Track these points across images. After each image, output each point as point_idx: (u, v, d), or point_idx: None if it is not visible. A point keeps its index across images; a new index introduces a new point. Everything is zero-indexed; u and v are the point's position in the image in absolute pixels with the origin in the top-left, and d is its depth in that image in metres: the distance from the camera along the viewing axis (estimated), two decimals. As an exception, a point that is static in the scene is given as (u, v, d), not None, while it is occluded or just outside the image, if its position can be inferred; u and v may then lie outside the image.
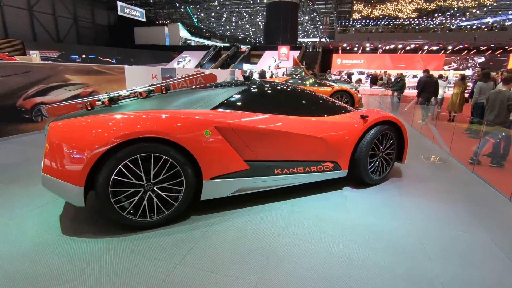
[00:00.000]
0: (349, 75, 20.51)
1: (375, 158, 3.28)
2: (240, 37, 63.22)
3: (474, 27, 45.94)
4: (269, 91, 3.08)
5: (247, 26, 55.56)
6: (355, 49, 33.57)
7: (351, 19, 45.94)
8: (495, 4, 38.30)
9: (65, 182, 2.09)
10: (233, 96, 2.82)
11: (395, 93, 9.50)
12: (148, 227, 2.36)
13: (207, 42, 53.91)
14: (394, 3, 39.31)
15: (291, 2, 36.09)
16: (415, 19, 45.62)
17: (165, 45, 41.92)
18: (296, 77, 9.36)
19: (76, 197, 2.13)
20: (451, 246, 2.27)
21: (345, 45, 32.46)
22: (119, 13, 36.31)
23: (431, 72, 8.42)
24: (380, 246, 2.21)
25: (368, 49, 33.11)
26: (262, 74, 17.99)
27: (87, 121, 2.25)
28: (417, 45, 30.53)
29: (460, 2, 38.44)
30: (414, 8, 40.99)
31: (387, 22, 47.30)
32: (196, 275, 1.85)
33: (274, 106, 2.96)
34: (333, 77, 15.05)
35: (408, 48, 31.23)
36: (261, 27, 53.42)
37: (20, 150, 4.54)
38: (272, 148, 2.77)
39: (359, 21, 48.38)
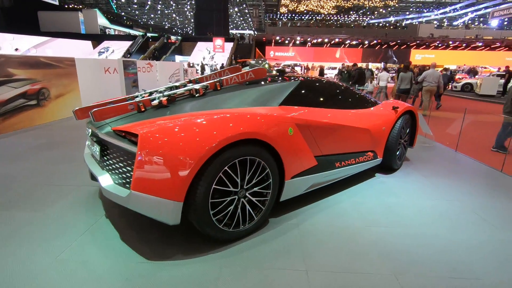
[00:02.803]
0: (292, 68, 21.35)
1: (399, 145, 3.58)
2: (166, 27, 59.73)
3: (380, 25, 52.50)
4: (319, 86, 3.07)
5: (174, 15, 52.77)
6: (286, 42, 35.05)
7: (278, 12, 47.68)
8: (396, 5, 44.31)
9: (162, 199, 1.76)
10: (293, 91, 2.73)
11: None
12: (239, 238, 2.16)
13: (129, 31, 49.47)
14: (317, -1, 42.20)
15: (221, -8, 35.48)
16: (334, 16, 49.82)
17: (80, 33, 36.94)
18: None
19: (173, 215, 1.82)
20: (504, 212, 2.66)
21: (277, 38, 33.59)
22: (17, -7, 30.51)
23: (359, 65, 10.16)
24: (455, 224, 2.47)
25: (298, 42, 34.91)
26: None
27: (180, 125, 1.91)
28: (340, 40, 33.48)
29: (371, 2, 43.37)
30: (334, 5, 44.63)
31: (310, 17, 50.53)
32: (333, 277, 1.80)
33: (326, 100, 2.97)
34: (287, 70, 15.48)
35: (332, 42, 33.99)
36: (189, 17, 51.39)
37: (-21, 165, 3.57)
38: (333, 141, 2.80)
39: (285, 15, 50.52)
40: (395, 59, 33.00)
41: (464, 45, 33.37)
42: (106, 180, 2.01)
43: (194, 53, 34.30)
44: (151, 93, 2.58)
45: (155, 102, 2.27)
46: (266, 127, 2.10)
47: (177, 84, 2.74)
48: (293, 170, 2.37)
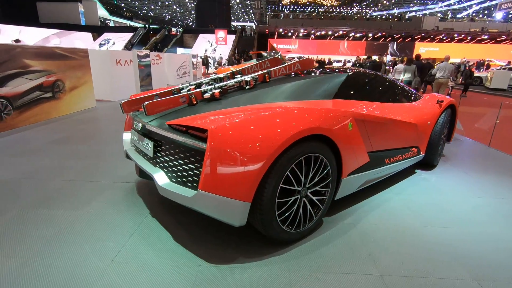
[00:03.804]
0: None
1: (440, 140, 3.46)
2: (167, 19, 58.96)
3: (384, 17, 51.93)
4: (366, 78, 2.92)
5: (174, 6, 52.02)
6: (289, 34, 34.65)
7: (281, 4, 47.04)
8: (400, -3, 43.70)
9: (231, 199, 1.64)
10: (344, 84, 2.59)
11: None
12: (300, 238, 2.05)
13: (129, 23, 48.77)
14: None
15: (223, -17, 34.91)
16: (337, 7, 49.20)
17: (80, 25, 36.36)
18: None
19: (241, 216, 1.70)
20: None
21: (280, 30, 33.18)
22: (15, -16, 29.93)
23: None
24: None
25: (301, 34, 34.52)
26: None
27: (248, 120, 1.78)
28: (344, 32, 33.09)
29: (374, -7, 42.80)
30: (337, -3, 44.07)
31: (313, 9, 49.90)
32: (412, 283, 1.69)
33: (375, 94, 2.84)
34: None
35: (336, 34, 33.61)
36: (190, 8, 50.72)
37: None
38: (384, 137, 2.68)
39: (288, 6, 49.84)
40: (391, 50, 32.66)
41: (469, 38, 33.05)
42: (162, 178, 1.88)
43: (196, 45, 33.87)
44: (197, 85, 2.44)
45: (207, 95, 2.13)
46: (331, 122, 1.97)
47: (221, 75, 2.59)
48: (350, 167, 2.25)
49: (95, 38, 33.86)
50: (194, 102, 2.10)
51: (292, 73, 2.64)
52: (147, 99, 2.23)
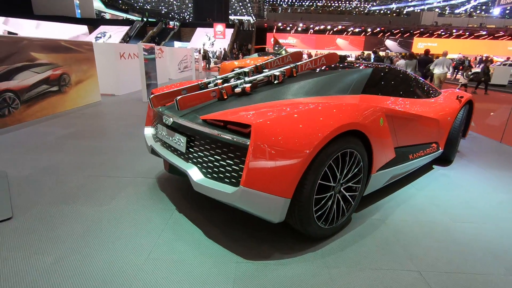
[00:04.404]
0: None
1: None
2: (163, 12, 58.22)
3: (382, 12, 51.77)
4: (391, 74, 2.89)
5: (171, 0, 51.34)
6: (288, 28, 34.43)
7: (279, -2, 46.63)
8: (399, -9, 43.54)
9: (272, 195, 1.62)
10: (370, 79, 2.57)
11: None
12: (333, 234, 2.05)
13: (125, 16, 48.09)
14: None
15: (222, -24, 34.46)
16: (336, 2, 48.92)
17: (76, 17, 35.78)
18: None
19: (281, 212, 1.68)
20: None
21: (279, 24, 32.94)
22: (9, -26, 29.28)
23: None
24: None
25: (300, 29, 34.32)
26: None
27: (289, 115, 1.74)
28: (343, 27, 32.96)
29: (373, -12, 42.60)
30: (336, -9, 43.79)
31: (311, 3, 49.54)
32: (451, 279, 1.69)
33: (400, 89, 2.82)
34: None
35: (335, 29, 33.47)
36: (187, 1, 50.14)
37: None
38: (409, 132, 2.67)
39: (286, 0, 49.42)
40: (385, 45, 32.67)
41: (467, 33, 33.12)
42: (196, 174, 1.85)
43: (194, 39, 33.52)
44: (224, 80, 2.39)
45: (238, 89, 2.09)
46: (366, 118, 1.95)
47: (246, 70, 2.55)
48: (379, 163, 2.24)
49: (91, 31, 33.36)
50: (225, 97, 2.06)
51: (316, 68, 2.61)
52: (175, 94, 2.19)
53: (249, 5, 53.16)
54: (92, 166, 3.09)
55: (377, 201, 2.56)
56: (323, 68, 2.66)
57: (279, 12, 39.88)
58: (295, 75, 2.42)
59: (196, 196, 2.51)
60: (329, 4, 48.24)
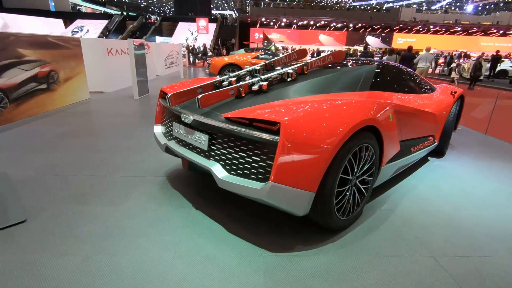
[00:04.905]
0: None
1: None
2: (142, 5, 56.62)
3: (362, 7, 52.62)
4: (393, 70, 3.01)
5: (151, -7, 49.96)
6: (271, 23, 34.41)
7: (261, -8, 46.28)
8: (379, -12, 44.38)
9: (299, 189, 1.69)
10: (376, 76, 2.67)
11: None
12: (348, 225, 2.15)
13: (102, 9, 46.41)
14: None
15: (203, -31, 33.82)
16: (317, -3, 49.19)
17: (49, 11, 34.20)
18: (269, 53, 9.15)
19: (306, 205, 1.76)
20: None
21: (263, 19, 32.85)
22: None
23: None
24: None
25: (283, 24, 34.40)
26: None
27: (313, 111, 1.81)
28: (326, 22, 33.31)
29: (354, -16, 43.18)
30: (317, -13, 44.06)
31: (293, -2, 49.58)
32: (464, 262, 1.83)
33: (402, 85, 2.94)
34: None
35: (318, 24, 33.78)
36: (167, -5, 48.97)
37: None
38: (411, 126, 2.80)
39: (268, -5, 49.13)
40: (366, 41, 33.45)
41: (443, 29, 34.33)
42: (220, 171, 1.89)
43: (176, 34, 32.90)
44: (239, 77, 2.42)
45: (256, 87, 2.14)
46: (380, 113, 2.05)
47: (256, 67, 2.59)
48: (388, 156, 2.36)
49: (66, 25, 32.03)
50: (243, 95, 2.09)
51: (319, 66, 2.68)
52: (191, 92, 2.20)
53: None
54: (95, 165, 3.04)
55: (384, 193, 2.68)
56: (330, 65, 2.74)
57: (262, 7, 39.74)
58: (305, 72, 2.49)
59: (209, 193, 2.55)
60: (311, -1, 48.56)
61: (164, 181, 2.75)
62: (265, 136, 1.68)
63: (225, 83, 2.31)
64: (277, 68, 2.61)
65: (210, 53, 22.07)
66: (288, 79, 2.35)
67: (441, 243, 2.01)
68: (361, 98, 2.21)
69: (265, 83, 2.17)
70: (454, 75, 12.49)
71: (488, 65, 14.92)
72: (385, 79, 2.75)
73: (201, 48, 25.75)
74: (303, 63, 2.49)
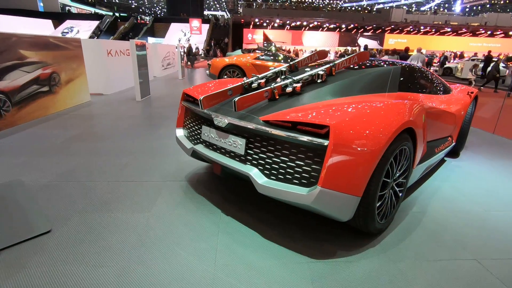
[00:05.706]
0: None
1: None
2: (133, 6, 55.97)
3: (353, 8, 53.12)
4: (415, 71, 2.99)
5: (142, -7, 49.43)
6: (264, 24, 34.42)
7: (254, -7, 46.25)
8: (370, -11, 44.86)
9: (346, 194, 1.64)
10: (401, 77, 2.64)
11: None
12: (383, 230, 2.11)
13: (93, 10, 45.71)
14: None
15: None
16: (309, -2, 49.50)
17: (38, 11, 33.48)
18: (270, 54, 9.10)
19: (351, 210, 1.71)
20: None
21: (256, 20, 32.84)
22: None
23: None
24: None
25: (276, 25, 34.46)
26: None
27: (360, 115, 1.75)
28: (318, 23, 33.50)
29: (345, -15, 43.58)
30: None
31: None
32: (507, 264, 1.81)
33: (425, 86, 2.93)
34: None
35: (311, 25, 33.95)
36: (159, -5, 48.54)
37: None
38: (436, 127, 2.79)
39: (260, -4, 49.17)
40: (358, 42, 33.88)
41: (433, 30, 34.91)
42: (259, 176, 1.82)
43: (169, 35, 32.60)
44: (267, 79, 2.36)
45: (290, 89, 2.08)
46: (415, 115, 2.02)
47: (283, 68, 2.53)
48: (418, 157, 2.34)
49: (56, 26, 31.43)
50: (277, 97, 2.04)
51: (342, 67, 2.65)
52: (221, 94, 2.13)
53: (223, 0, 52.48)
54: (111, 170, 2.94)
55: (410, 195, 2.66)
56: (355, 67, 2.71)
57: (254, 7, 39.73)
58: (334, 74, 2.44)
59: (234, 197, 2.48)
60: (303, 0, 48.82)
61: (186, 186, 2.67)
62: (313, 139, 1.62)
63: (254, 84, 2.25)
64: (305, 69, 2.56)
65: (201, 53, 21.74)
66: (318, 81, 2.31)
67: (481, 245, 1.99)
68: (396, 100, 2.17)
69: (298, 84, 2.11)
70: (470, 76, 12.42)
71: (481, 65, 15.19)
72: (410, 80, 2.73)
73: (194, 50, 25.52)
74: (331, 64, 2.44)
